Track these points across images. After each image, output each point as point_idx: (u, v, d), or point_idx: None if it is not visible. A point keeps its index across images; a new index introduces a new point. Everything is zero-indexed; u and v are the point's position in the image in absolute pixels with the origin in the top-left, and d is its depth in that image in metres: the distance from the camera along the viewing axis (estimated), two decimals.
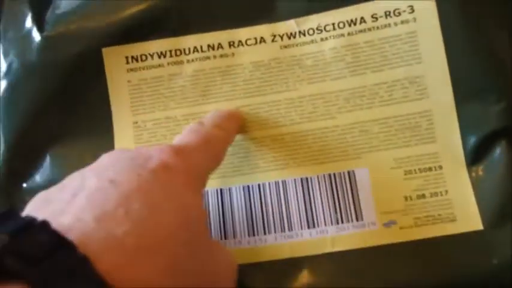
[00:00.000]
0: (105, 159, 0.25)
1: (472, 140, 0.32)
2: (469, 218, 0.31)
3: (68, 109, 0.34)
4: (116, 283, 0.19)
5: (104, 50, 0.34)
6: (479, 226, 0.31)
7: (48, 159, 0.34)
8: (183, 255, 0.22)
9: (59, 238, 0.18)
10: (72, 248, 0.18)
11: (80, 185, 0.22)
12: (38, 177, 0.34)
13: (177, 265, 0.22)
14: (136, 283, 0.20)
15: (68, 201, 0.21)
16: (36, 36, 0.34)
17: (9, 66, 0.34)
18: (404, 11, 0.33)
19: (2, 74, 0.35)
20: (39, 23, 0.35)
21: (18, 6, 0.35)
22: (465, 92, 0.32)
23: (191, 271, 0.23)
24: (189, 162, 0.26)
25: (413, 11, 0.33)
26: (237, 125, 0.33)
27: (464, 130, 0.32)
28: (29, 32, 0.34)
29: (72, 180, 0.23)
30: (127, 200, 0.21)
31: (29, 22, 0.35)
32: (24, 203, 0.32)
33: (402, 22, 0.33)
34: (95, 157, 0.33)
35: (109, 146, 0.34)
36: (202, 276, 0.24)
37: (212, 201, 0.33)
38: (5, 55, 0.35)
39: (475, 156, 0.32)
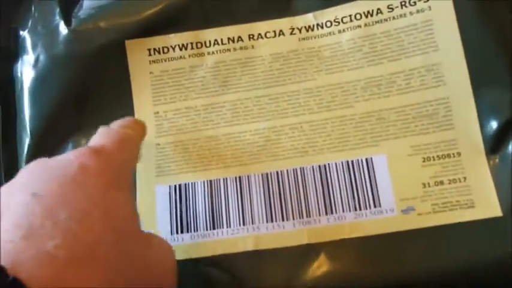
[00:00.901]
0: (25, 172, 0.24)
1: (491, 126, 0.32)
2: (487, 205, 0.31)
3: (92, 100, 0.35)
4: None
5: (127, 43, 0.35)
6: (498, 213, 0.31)
7: (71, 149, 0.35)
8: (115, 257, 0.22)
9: None
10: (2, 273, 0.18)
11: (5, 202, 0.22)
12: None
13: (111, 268, 0.22)
14: None
15: None
16: (63, 29, 0.36)
17: (36, 58, 0.36)
18: (419, 0, 0.34)
19: (30, 66, 0.36)
20: (66, 18, 0.36)
21: (47, 3, 0.37)
22: (482, 78, 0.32)
23: (126, 271, 0.23)
24: (109, 162, 0.26)
25: None
26: (143, 127, 0.32)
27: (483, 117, 0.32)
28: (57, 26, 0.36)
29: None
30: (52, 212, 0.21)
31: (56, 17, 0.36)
32: None
33: (418, 11, 0.34)
34: None
35: None
36: (139, 274, 0.24)
37: (231, 189, 0.33)
38: (33, 48, 0.36)
39: (493, 143, 0.32)
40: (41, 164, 0.25)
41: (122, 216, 0.24)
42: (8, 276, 0.18)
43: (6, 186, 0.23)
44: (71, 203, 0.22)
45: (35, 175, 0.24)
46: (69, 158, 0.25)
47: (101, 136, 0.28)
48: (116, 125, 0.30)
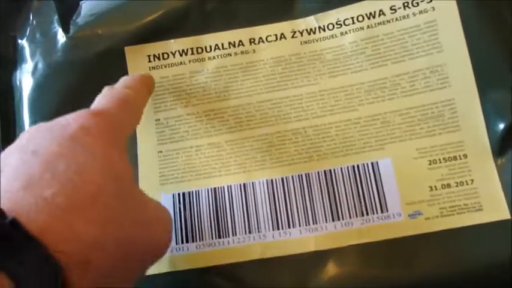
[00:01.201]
0: (25, 135, 0.25)
1: (497, 128, 0.32)
2: (496, 207, 0.31)
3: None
4: (50, 242, 0.19)
5: (127, 49, 0.35)
6: (507, 215, 0.31)
7: None
8: (113, 206, 0.22)
9: None
10: (1, 215, 0.19)
11: (5, 162, 0.22)
12: None
13: (108, 217, 0.22)
14: (71, 239, 0.20)
15: None
16: (62, 37, 0.35)
17: (35, 66, 0.35)
18: (422, 1, 0.33)
19: (28, 74, 0.35)
20: (64, 25, 0.36)
21: (45, 11, 0.37)
22: (488, 79, 0.32)
23: (123, 222, 0.23)
24: (108, 122, 0.26)
25: (431, 0, 0.33)
26: (148, 86, 0.33)
27: (489, 118, 0.32)
28: (55, 33, 0.35)
29: None
30: (51, 164, 0.22)
31: (55, 25, 0.36)
32: None
33: (421, 12, 0.33)
34: None
35: (131, 143, 0.34)
36: (136, 227, 0.24)
37: (236, 196, 0.33)
38: (32, 56, 0.36)
39: (501, 145, 0.32)
40: (40, 127, 0.25)
41: (121, 170, 0.24)
42: (7, 217, 0.19)
43: (7, 149, 0.24)
44: (70, 158, 0.22)
45: (34, 136, 0.24)
46: (68, 120, 0.25)
47: (103, 98, 0.28)
48: (120, 84, 0.30)
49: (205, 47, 0.35)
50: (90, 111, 0.26)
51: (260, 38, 0.35)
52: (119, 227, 0.22)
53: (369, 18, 0.34)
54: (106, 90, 0.29)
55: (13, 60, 0.37)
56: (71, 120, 0.25)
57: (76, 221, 0.20)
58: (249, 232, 0.32)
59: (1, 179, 0.21)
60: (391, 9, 0.34)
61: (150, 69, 0.35)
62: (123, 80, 0.31)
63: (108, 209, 0.22)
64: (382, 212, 0.32)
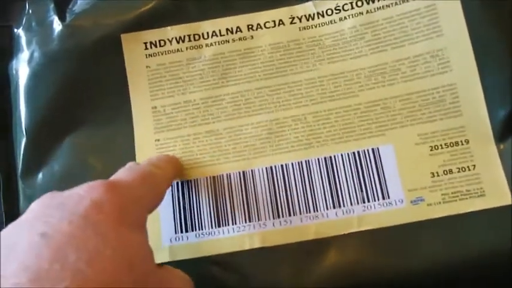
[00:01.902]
0: (35, 208, 0.23)
1: (500, 113, 0.31)
2: (498, 193, 0.31)
3: (87, 96, 0.34)
4: None
5: (123, 36, 0.34)
6: (509, 201, 0.30)
7: (67, 146, 0.34)
8: None
9: None
10: None
11: (13, 243, 0.21)
12: (56, 165, 0.34)
13: None
14: None
15: (3, 264, 0.20)
16: (58, 25, 0.35)
17: (31, 55, 0.35)
18: None
19: (25, 63, 0.35)
20: (60, 13, 0.35)
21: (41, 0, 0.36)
22: (489, 63, 0.32)
23: None
24: (123, 197, 0.24)
25: None
26: (175, 167, 0.32)
27: (491, 103, 0.31)
28: (51, 22, 0.35)
29: (6, 237, 0.22)
30: (61, 253, 0.20)
31: (51, 13, 0.35)
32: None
33: None
34: (114, 144, 0.34)
35: (128, 132, 0.34)
36: None
37: (235, 185, 0.32)
38: (28, 45, 0.35)
39: (503, 129, 0.31)
40: (52, 199, 0.24)
41: (137, 255, 0.23)
42: None
43: (16, 224, 0.22)
44: (81, 244, 0.21)
45: (44, 212, 0.23)
46: (81, 194, 0.23)
47: (124, 171, 0.27)
48: (146, 161, 0.30)
49: (203, 34, 0.34)
50: (104, 184, 0.24)
51: (258, 24, 0.34)
52: None
53: (368, 3, 0.33)
54: (130, 164, 0.28)
55: (9, 49, 0.36)
56: (84, 194, 0.23)
57: None
58: (249, 221, 0.32)
59: (9, 268, 0.20)
60: None
61: (146, 57, 0.34)
62: (149, 158, 0.31)
63: None
64: (383, 198, 0.31)
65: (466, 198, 0.31)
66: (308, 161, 0.32)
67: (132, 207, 0.25)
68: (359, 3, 0.34)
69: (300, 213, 0.32)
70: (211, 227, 0.32)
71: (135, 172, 0.27)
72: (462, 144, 0.31)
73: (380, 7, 0.33)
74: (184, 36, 0.34)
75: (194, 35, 0.34)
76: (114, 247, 0.22)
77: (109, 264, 0.21)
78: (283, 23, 0.34)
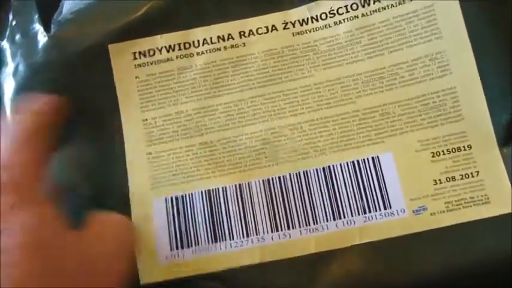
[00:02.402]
0: None
1: (502, 116, 0.30)
2: (503, 200, 0.30)
3: (75, 109, 0.33)
4: None
5: (110, 46, 0.33)
6: None
7: (55, 161, 0.33)
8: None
9: None
10: None
11: None
12: None
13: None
14: None
15: None
16: (43, 36, 0.33)
17: (15, 68, 0.33)
18: None
19: (10, 76, 0.34)
20: (45, 24, 0.34)
21: (25, 11, 0.35)
22: (490, 65, 0.31)
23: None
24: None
25: None
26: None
27: (493, 106, 0.30)
28: (36, 33, 0.34)
29: None
30: None
31: (35, 24, 0.34)
32: None
33: None
34: (104, 158, 0.32)
35: (118, 146, 0.32)
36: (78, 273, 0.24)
37: (231, 198, 0.31)
38: (13, 57, 0.34)
39: (506, 134, 0.30)
40: None
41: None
42: None
43: None
44: None
45: None
46: None
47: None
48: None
49: (193, 42, 0.33)
50: None
51: (250, 30, 0.33)
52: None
53: (363, 6, 0.32)
54: None
55: None
56: None
57: None
58: (247, 235, 0.31)
59: None
60: None
61: (135, 67, 0.33)
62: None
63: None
64: (385, 208, 0.30)
65: (470, 206, 0.30)
66: (306, 171, 0.31)
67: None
68: (354, 7, 0.33)
69: (300, 226, 0.31)
70: (208, 243, 0.31)
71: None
72: (464, 149, 0.30)
73: (376, 10, 0.32)
74: (174, 45, 0.33)
75: (185, 43, 0.33)
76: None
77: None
78: (276, 29, 0.33)
